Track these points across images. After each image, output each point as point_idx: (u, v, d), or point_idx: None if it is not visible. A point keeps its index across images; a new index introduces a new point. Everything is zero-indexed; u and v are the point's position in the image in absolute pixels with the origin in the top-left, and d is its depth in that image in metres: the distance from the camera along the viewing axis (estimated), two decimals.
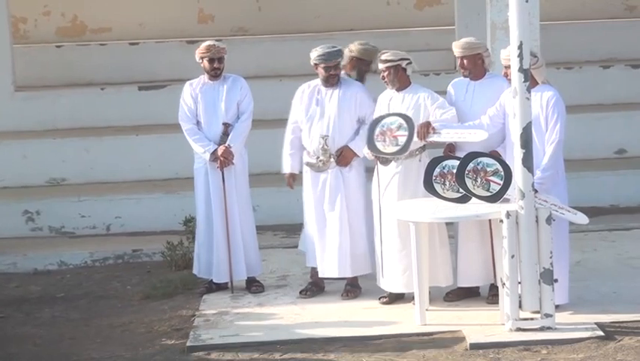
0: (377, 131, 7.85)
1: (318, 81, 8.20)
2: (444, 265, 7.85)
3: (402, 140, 7.77)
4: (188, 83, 8.51)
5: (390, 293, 7.98)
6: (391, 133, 7.80)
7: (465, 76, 7.92)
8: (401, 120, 7.80)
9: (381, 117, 7.88)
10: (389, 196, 7.88)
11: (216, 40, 8.58)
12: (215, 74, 8.39)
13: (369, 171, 8.13)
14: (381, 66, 7.89)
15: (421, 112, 7.85)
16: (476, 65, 7.86)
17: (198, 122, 8.44)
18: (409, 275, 7.77)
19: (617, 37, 12.11)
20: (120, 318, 8.15)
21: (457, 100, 7.93)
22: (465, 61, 7.85)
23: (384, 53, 7.93)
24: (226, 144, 8.29)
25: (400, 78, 7.90)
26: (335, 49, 8.09)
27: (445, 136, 7.71)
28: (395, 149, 7.80)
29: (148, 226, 10.25)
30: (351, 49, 8.25)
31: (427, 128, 7.71)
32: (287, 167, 8.24)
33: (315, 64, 8.11)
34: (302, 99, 8.21)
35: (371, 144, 7.84)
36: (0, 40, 11.44)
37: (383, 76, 7.91)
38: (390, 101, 7.95)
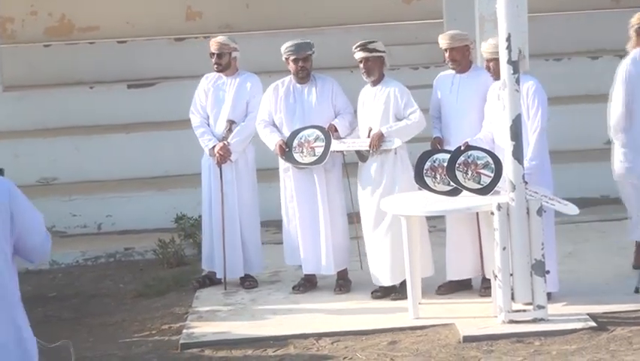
0: (295, 142, 8.01)
1: (290, 78, 8.20)
2: (425, 257, 7.87)
3: (319, 150, 7.98)
4: (204, 76, 8.58)
5: (381, 287, 8.00)
6: (309, 145, 7.99)
7: (452, 68, 7.92)
8: (318, 132, 8.00)
9: (299, 130, 8.02)
10: (368, 191, 7.93)
11: (226, 37, 8.58)
12: (216, 68, 8.43)
13: (354, 167, 8.15)
14: (364, 55, 7.87)
15: (391, 106, 7.88)
16: (464, 57, 7.88)
17: (208, 117, 8.47)
18: (396, 268, 7.79)
19: (605, 28, 12.11)
20: (113, 317, 8.15)
21: (444, 94, 7.94)
22: (454, 52, 7.85)
23: (370, 42, 7.91)
24: (225, 141, 8.31)
25: (380, 70, 7.91)
26: (304, 41, 8.11)
27: (359, 144, 7.90)
28: (312, 159, 8.00)
29: (139, 224, 10.24)
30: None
31: (378, 139, 7.79)
32: (273, 139, 8.16)
33: (286, 58, 8.12)
34: (277, 97, 8.20)
35: (289, 154, 8.03)
36: None
37: (366, 65, 7.89)
38: (365, 98, 7.99)
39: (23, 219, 4.45)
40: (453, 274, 7.95)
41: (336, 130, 8.06)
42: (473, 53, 7.96)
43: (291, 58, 8.08)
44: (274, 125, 8.23)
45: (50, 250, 4.65)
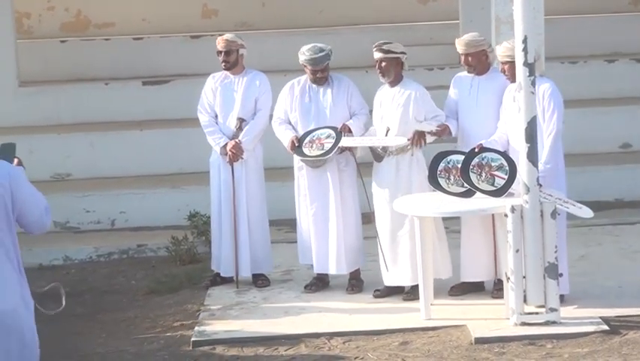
0: (307, 140, 8.06)
1: (306, 77, 8.21)
2: (443, 258, 7.86)
3: (327, 145, 8.00)
4: (211, 75, 8.56)
5: (385, 286, 8.00)
6: (319, 141, 8.03)
7: (469, 72, 7.91)
8: (330, 131, 8.03)
9: (313, 130, 8.07)
10: (383, 191, 7.92)
11: (231, 34, 8.58)
12: (224, 66, 8.43)
13: (368, 167, 8.14)
14: (380, 55, 7.88)
15: (410, 108, 7.86)
16: (480, 62, 7.86)
17: (216, 116, 8.47)
18: (409, 269, 7.79)
19: (622, 32, 12.10)
20: (125, 313, 8.16)
21: (462, 96, 7.93)
22: (470, 58, 7.85)
23: (385, 43, 7.91)
24: (237, 139, 8.31)
25: (396, 71, 7.90)
26: (322, 53, 8.05)
27: (369, 141, 7.94)
28: (320, 152, 8.01)
29: (152, 221, 10.26)
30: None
31: (420, 137, 7.79)
32: (287, 135, 8.18)
33: (304, 65, 8.13)
34: (292, 96, 8.21)
35: (299, 150, 8.07)
36: (4, 35, 11.44)
37: (380, 66, 7.89)
38: (382, 99, 7.98)
39: (23, 197, 5.02)
40: (467, 276, 7.94)
41: (349, 131, 8.06)
42: (491, 55, 7.93)
43: (309, 68, 8.09)
44: (289, 123, 8.24)
45: (50, 222, 5.27)
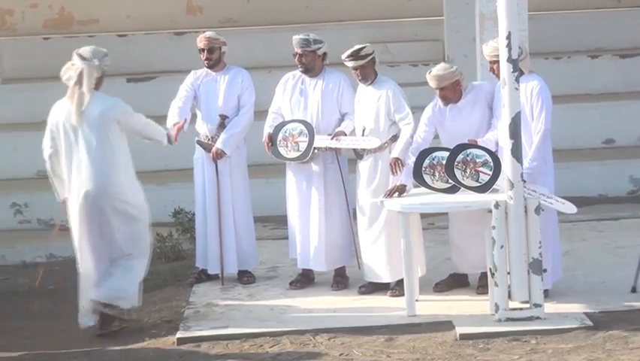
0: (280, 136, 8.01)
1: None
2: (419, 256, 7.86)
3: (302, 145, 7.97)
4: (192, 71, 8.54)
5: (370, 283, 8.01)
6: (293, 139, 8.01)
7: (445, 104, 7.72)
8: (302, 127, 8.00)
9: (284, 123, 8.04)
10: (363, 188, 7.94)
11: (212, 32, 8.57)
12: (207, 64, 8.43)
13: (353, 163, 8.14)
14: (357, 64, 7.84)
15: (383, 106, 7.85)
16: (456, 91, 7.73)
17: (189, 107, 8.39)
18: (392, 265, 7.80)
19: (605, 27, 12.12)
20: None
21: (441, 126, 7.74)
22: (445, 91, 7.69)
23: (360, 50, 7.81)
24: (217, 147, 8.26)
25: (369, 74, 7.88)
26: (307, 37, 8.08)
27: (342, 143, 7.90)
28: (296, 154, 8.00)
29: None
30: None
31: (396, 164, 7.67)
32: (265, 132, 8.18)
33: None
34: (285, 88, 8.23)
35: (274, 148, 8.03)
36: None
37: (360, 73, 7.89)
38: (360, 97, 7.98)
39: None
40: (463, 268, 7.94)
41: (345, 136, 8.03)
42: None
43: (295, 51, 8.11)
44: (282, 117, 8.23)
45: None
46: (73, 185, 7.48)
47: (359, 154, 8.00)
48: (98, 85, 7.53)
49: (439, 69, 7.70)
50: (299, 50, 8.08)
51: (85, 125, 7.41)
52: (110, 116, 7.46)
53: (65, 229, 7.51)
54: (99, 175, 7.39)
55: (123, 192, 7.45)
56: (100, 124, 7.42)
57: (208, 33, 8.51)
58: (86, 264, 7.52)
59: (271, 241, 9.30)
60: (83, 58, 7.49)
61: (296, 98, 8.18)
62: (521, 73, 7.47)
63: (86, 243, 7.49)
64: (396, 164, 7.68)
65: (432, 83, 7.69)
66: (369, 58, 7.86)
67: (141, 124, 7.68)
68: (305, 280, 8.33)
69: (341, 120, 8.12)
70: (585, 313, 7.34)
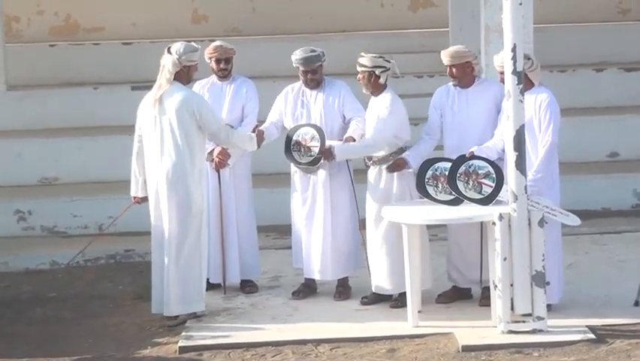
0: (294, 140, 8.01)
1: (301, 83, 8.21)
2: (424, 269, 7.84)
3: (315, 150, 7.96)
4: (197, 82, 8.53)
5: (373, 294, 8.00)
6: (305, 143, 7.99)
7: (454, 85, 7.88)
8: (314, 131, 7.98)
9: (297, 127, 8.03)
10: (369, 197, 7.96)
11: (222, 41, 8.58)
12: (222, 74, 8.42)
13: (362, 173, 8.14)
14: (357, 68, 7.89)
15: (383, 119, 7.85)
16: (465, 73, 7.83)
17: None
18: (395, 276, 7.79)
19: (611, 41, 12.13)
20: (112, 318, 8.14)
21: (447, 112, 7.84)
22: (454, 69, 7.82)
23: (362, 57, 7.90)
24: (224, 145, 8.29)
25: (373, 84, 7.88)
26: (313, 54, 8.06)
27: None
28: (309, 159, 7.99)
29: (140, 226, 10.20)
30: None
31: (401, 164, 7.77)
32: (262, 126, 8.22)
33: (296, 67, 8.13)
34: (287, 101, 8.22)
35: (288, 152, 8.02)
36: None
37: (359, 78, 7.90)
38: (369, 107, 8.01)
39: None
40: (455, 282, 7.95)
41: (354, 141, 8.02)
42: (477, 68, 7.92)
43: (300, 69, 8.09)
44: (283, 127, 8.23)
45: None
46: (154, 170, 7.80)
47: (366, 164, 8.00)
48: (182, 78, 7.81)
49: (453, 47, 7.99)
50: (309, 68, 8.05)
51: (164, 114, 7.74)
52: (185, 107, 7.70)
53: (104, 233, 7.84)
54: (177, 161, 7.66)
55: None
56: (178, 114, 7.69)
57: (222, 43, 8.48)
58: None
59: (274, 250, 9.30)
60: (168, 51, 7.89)
61: (298, 110, 8.17)
62: (532, 84, 7.49)
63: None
64: (400, 164, 7.77)
65: (444, 59, 7.86)
66: (365, 70, 7.85)
67: (216, 121, 7.83)
68: (307, 290, 8.32)
69: (345, 128, 8.12)
70: (588, 327, 7.34)
